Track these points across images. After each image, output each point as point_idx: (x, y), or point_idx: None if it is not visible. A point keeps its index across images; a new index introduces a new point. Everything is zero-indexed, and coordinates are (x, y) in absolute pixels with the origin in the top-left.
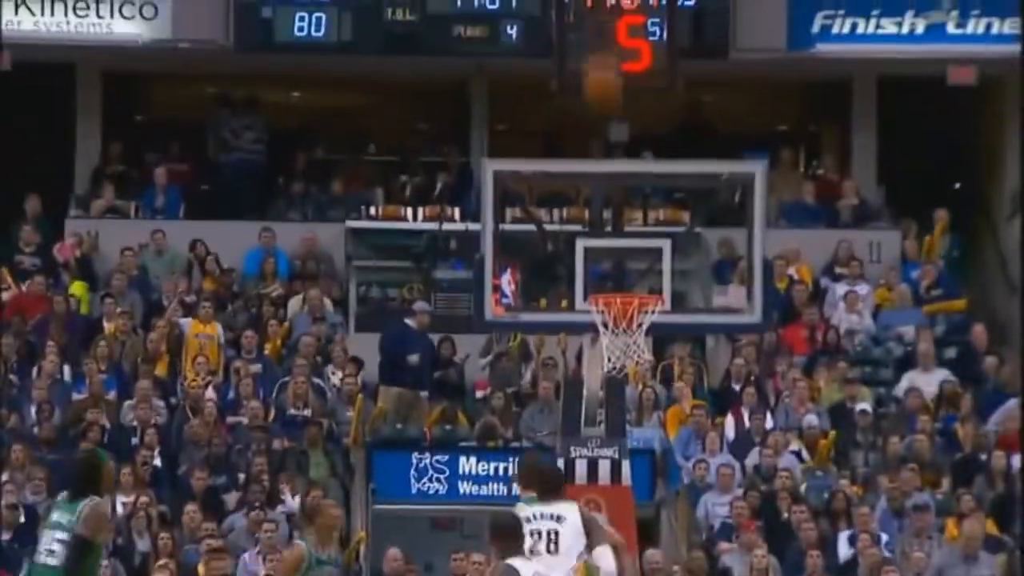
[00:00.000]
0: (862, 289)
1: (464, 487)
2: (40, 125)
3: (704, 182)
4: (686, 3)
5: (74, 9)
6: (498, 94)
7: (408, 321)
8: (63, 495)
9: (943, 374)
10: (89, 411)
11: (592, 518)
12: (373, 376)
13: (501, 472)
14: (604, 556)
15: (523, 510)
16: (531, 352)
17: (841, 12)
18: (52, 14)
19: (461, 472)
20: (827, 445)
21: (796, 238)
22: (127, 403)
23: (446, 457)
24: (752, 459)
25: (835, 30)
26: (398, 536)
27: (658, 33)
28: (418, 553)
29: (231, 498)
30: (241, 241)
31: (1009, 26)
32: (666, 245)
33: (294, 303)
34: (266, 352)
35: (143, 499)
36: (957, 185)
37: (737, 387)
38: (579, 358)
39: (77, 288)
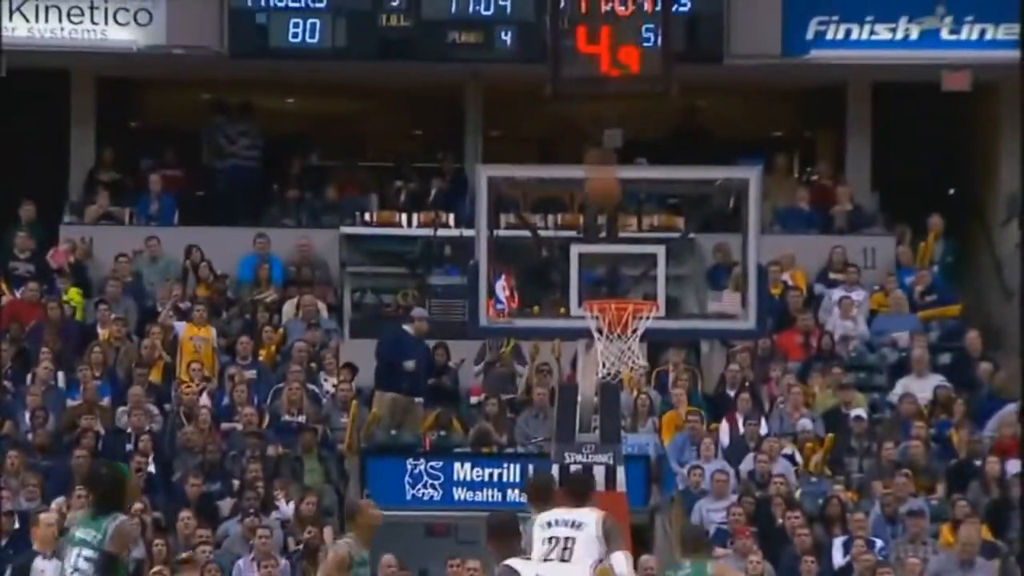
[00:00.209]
0: (857, 295)
1: (459, 493)
2: (35, 131)
3: (698, 188)
4: (680, 8)
5: (68, 15)
6: (492, 100)
7: (406, 327)
8: (84, 512)
9: (937, 380)
10: (83, 417)
11: (615, 526)
12: (368, 382)
13: (496, 478)
14: (620, 562)
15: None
16: (524, 357)
17: (835, 18)
18: (47, 20)
19: (456, 478)
20: (822, 451)
21: (791, 244)
22: (121, 409)
23: (440, 463)
24: (747, 465)
25: (829, 36)
26: (393, 543)
27: (652, 39)
28: (413, 560)
29: (225, 504)
30: (235, 247)
31: (1003, 32)
32: (660, 251)
33: (288, 309)
34: (260, 358)
35: (137, 506)
36: (951, 191)
37: (732, 393)
38: (574, 364)
39: (72, 295)
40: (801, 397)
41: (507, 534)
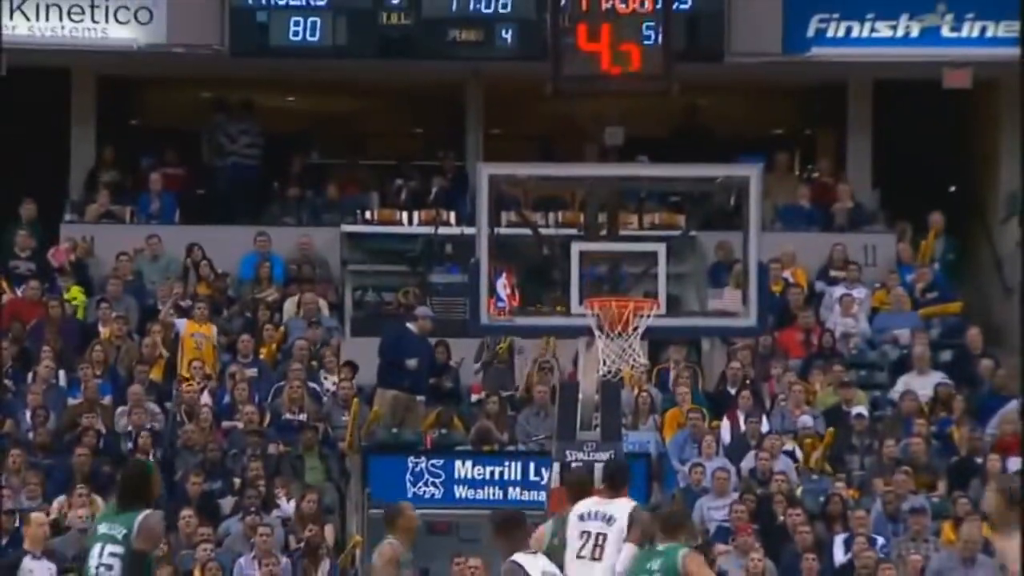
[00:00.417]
0: (858, 292)
1: (460, 491)
2: (35, 130)
3: (699, 186)
4: (681, 7)
5: (69, 14)
6: (493, 98)
7: (409, 325)
8: (108, 506)
9: (938, 377)
10: (84, 416)
11: (639, 517)
12: (369, 380)
13: (497, 476)
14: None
15: (579, 507)
16: (519, 348)
17: (836, 16)
18: (47, 19)
19: (457, 476)
20: (823, 447)
21: (791, 241)
22: (121, 408)
23: (442, 461)
24: (748, 463)
25: (830, 34)
26: None
27: (653, 37)
28: (414, 558)
29: (227, 503)
30: (236, 246)
31: (1004, 29)
32: (661, 249)
33: (289, 307)
34: (261, 356)
35: None
36: (952, 188)
37: (733, 391)
38: (575, 362)
39: (75, 293)
40: (802, 395)
41: (513, 529)
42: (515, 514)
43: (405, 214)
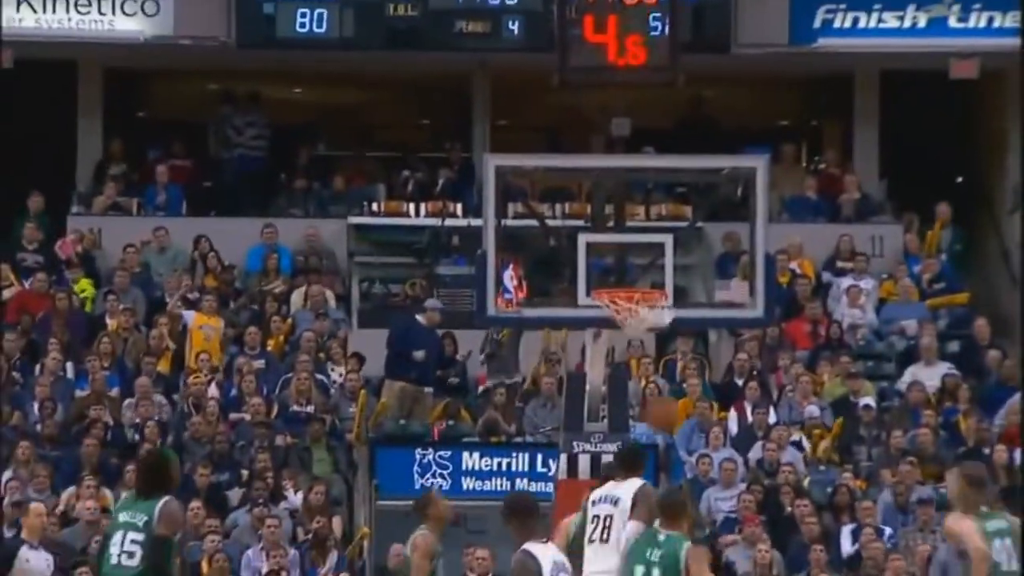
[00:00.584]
0: (865, 283)
1: (467, 483)
2: (42, 122)
3: (706, 177)
4: None
5: (76, 6)
6: (500, 89)
7: (418, 317)
8: (127, 495)
9: (945, 368)
10: (92, 408)
11: (645, 494)
12: (376, 372)
13: (504, 467)
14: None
15: (594, 493)
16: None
17: (843, 6)
18: (54, 11)
19: (464, 468)
20: (830, 438)
21: (798, 233)
22: (129, 400)
23: (449, 453)
24: (755, 454)
25: (837, 24)
26: (402, 532)
27: (659, 28)
28: None
29: (234, 494)
30: (243, 237)
31: (1011, 19)
32: (668, 240)
33: (296, 299)
34: (269, 348)
35: None
36: (959, 179)
37: (740, 382)
38: (582, 353)
39: (84, 285)
40: (809, 386)
41: (525, 515)
42: (529, 501)
43: (412, 206)
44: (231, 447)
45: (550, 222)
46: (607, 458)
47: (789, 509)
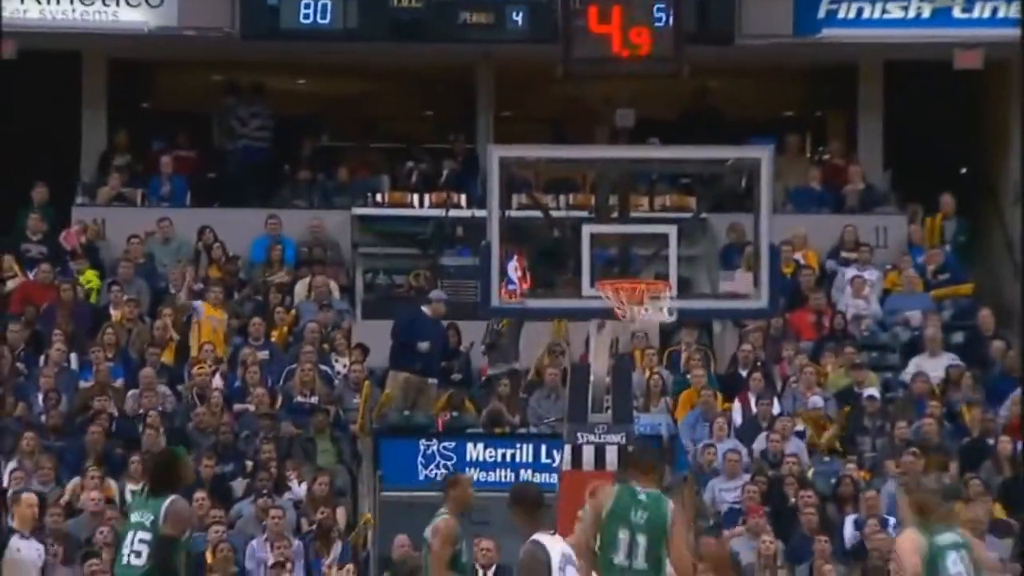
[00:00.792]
0: (869, 274)
1: (471, 474)
2: (46, 113)
3: (710, 168)
4: None
5: None
6: (504, 80)
7: (423, 308)
8: (138, 492)
9: (950, 359)
10: (96, 399)
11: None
12: (380, 363)
13: (508, 458)
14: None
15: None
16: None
17: None
18: (58, 2)
19: (468, 459)
20: (834, 428)
21: (803, 223)
22: (133, 391)
23: (453, 444)
24: (759, 444)
25: (841, 15)
26: (406, 523)
27: (664, 19)
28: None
29: (238, 485)
30: (248, 228)
31: (1015, 10)
32: (672, 231)
33: (300, 290)
34: (273, 339)
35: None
36: (964, 170)
37: (744, 373)
38: (586, 343)
39: (90, 276)
40: (813, 376)
41: (532, 506)
42: (535, 492)
43: (416, 197)
44: (235, 438)
45: (554, 213)
46: (611, 449)
47: (793, 500)
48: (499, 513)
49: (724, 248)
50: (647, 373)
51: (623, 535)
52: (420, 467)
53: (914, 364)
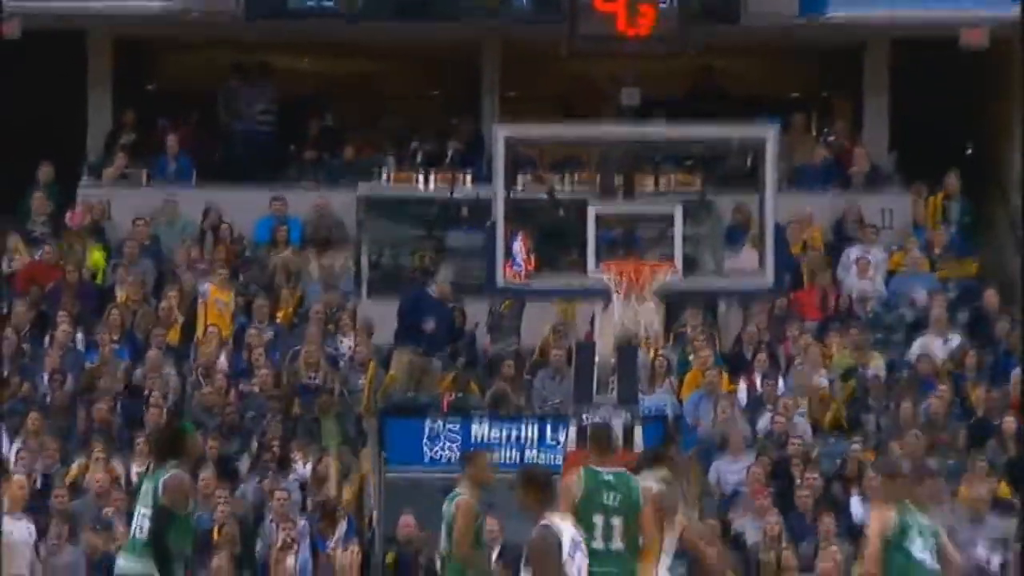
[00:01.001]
0: (875, 254)
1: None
2: (52, 93)
3: (716, 147)
4: None
5: None
6: (509, 59)
7: (429, 288)
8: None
9: (955, 338)
10: (101, 379)
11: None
12: (385, 343)
13: (513, 438)
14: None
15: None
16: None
17: None
18: None
19: (473, 438)
20: (838, 405)
21: (808, 203)
22: (138, 371)
23: (458, 423)
24: (764, 424)
25: None
26: (410, 503)
27: None
28: (430, 520)
29: (243, 465)
30: (253, 208)
31: None
32: (677, 210)
33: (306, 270)
34: (278, 320)
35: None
36: (969, 149)
37: (749, 353)
38: (591, 323)
39: (95, 257)
40: (818, 356)
41: (542, 487)
42: (545, 473)
43: (421, 176)
44: (240, 418)
45: (559, 192)
46: (616, 429)
47: (798, 480)
48: (504, 493)
49: (729, 228)
50: (652, 353)
51: (597, 519)
52: (425, 447)
53: (919, 344)
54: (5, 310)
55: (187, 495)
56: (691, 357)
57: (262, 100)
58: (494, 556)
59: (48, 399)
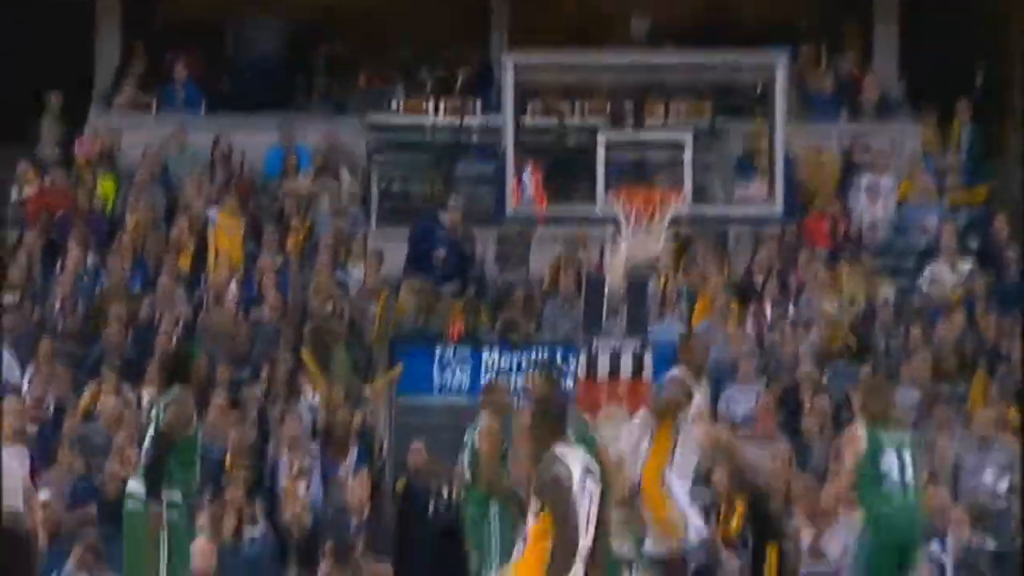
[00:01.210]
0: (885, 182)
1: (487, 380)
2: (61, 23)
3: (726, 76)
4: None
5: None
6: None
7: (441, 217)
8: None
9: (965, 265)
10: (112, 305)
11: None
12: (394, 271)
13: (524, 365)
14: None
15: None
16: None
17: None
18: None
19: (484, 366)
20: (849, 334)
21: (818, 132)
22: (149, 297)
23: (468, 351)
24: (773, 352)
25: None
26: (421, 430)
27: None
28: (441, 447)
29: (254, 392)
30: (262, 137)
31: None
32: (688, 138)
33: (315, 199)
34: (288, 248)
35: None
36: (979, 77)
37: (759, 281)
38: (601, 252)
39: (106, 186)
40: (829, 284)
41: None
42: (560, 405)
43: (431, 105)
44: (251, 345)
45: (569, 121)
46: (626, 357)
47: (808, 406)
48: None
49: (740, 157)
50: (662, 281)
51: None
52: (436, 375)
53: (929, 271)
54: (17, 238)
55: (188, 421)
56: (703, 284)
57: (271, 30)
58: None
59: (59, 326)
